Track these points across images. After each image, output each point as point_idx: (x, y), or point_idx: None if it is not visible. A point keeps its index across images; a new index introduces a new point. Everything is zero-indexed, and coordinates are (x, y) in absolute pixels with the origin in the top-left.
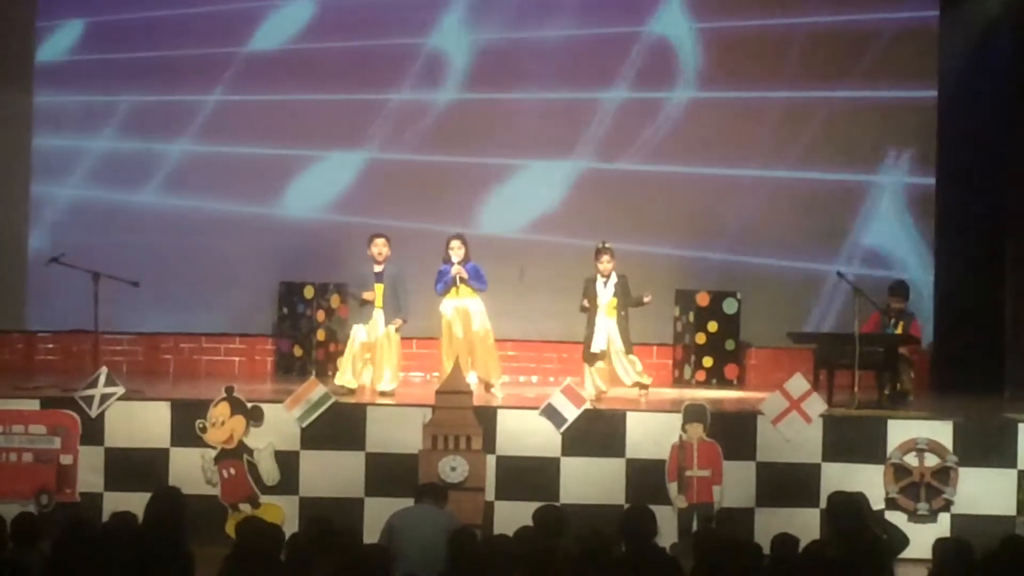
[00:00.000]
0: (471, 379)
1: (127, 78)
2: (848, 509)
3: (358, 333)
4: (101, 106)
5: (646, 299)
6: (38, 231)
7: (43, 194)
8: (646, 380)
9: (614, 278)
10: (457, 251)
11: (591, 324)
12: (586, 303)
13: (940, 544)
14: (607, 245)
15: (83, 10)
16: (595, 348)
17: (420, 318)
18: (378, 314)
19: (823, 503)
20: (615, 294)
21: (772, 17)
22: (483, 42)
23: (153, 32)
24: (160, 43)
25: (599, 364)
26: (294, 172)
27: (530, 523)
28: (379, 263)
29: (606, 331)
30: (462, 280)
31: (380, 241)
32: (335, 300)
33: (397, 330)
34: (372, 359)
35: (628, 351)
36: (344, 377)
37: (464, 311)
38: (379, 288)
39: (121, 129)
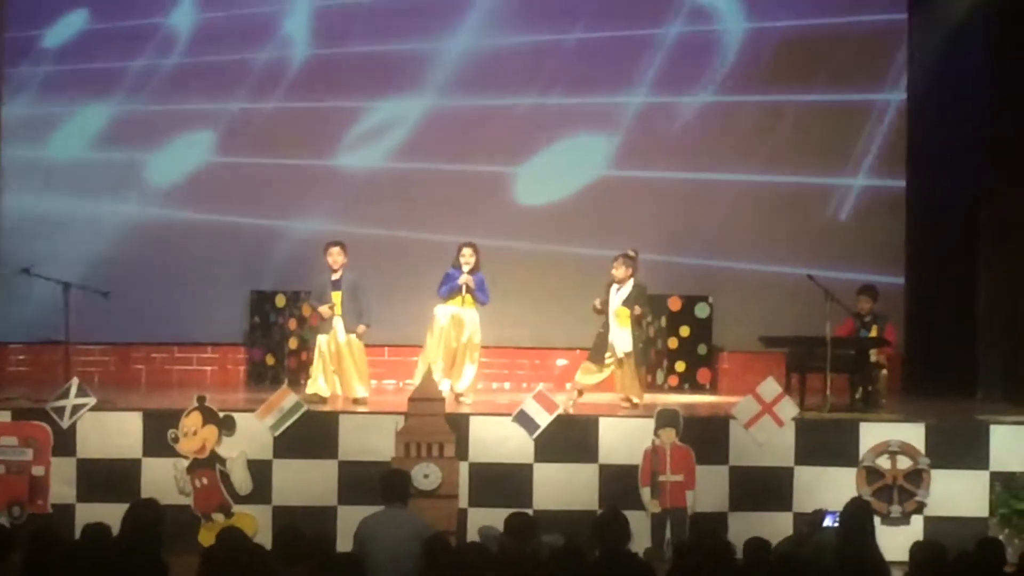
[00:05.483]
0: (444, 387)
1: (96, 88)
2: (861, 518)
3: (320, 343)
4: (71, 116)
5: (636, 311)
6: (7, 241)
7: (12, 204)
8: (635, 399)
9: (629, 286)
10: (468, 259)
11: (603, 328)
12: (598, 303)
13: (917, 547)
14: (628, 253)
15: (51, 20)
16: (611, 355)
17: (393, 326)
18: (337, 322)
19: (796, 507)
20: (624, 302)
21: (740, 21)
22: (444, 50)
23: (123, 43)
24: (129, 54)
25: (604, 372)
26: (262, 181)
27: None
28: (335, 271)
29: (620, 339)
30: (468, 290)
31: (335, 249)
32: (307, 309)
33: (359, 336)
34: (338, 368)
35: (641, 361)
36: (316, 385)
37: (459, 319)
38: (337, 296)
39: (91, 139)
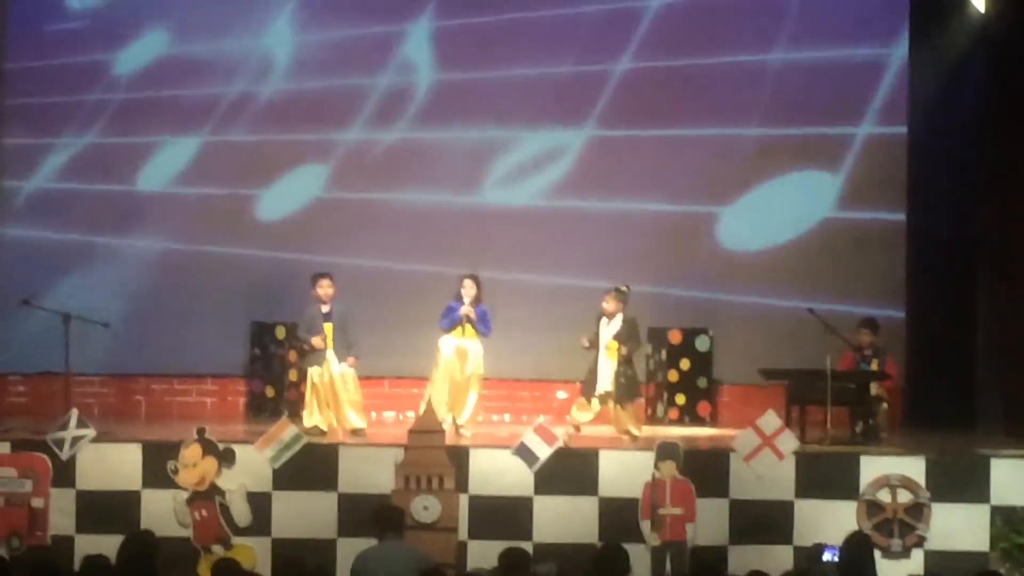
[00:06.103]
0: (449, 420)
1: (92, 118)
2: (861, 552)
3: (312, 376)
4: (67, 147)
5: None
6: (6, 273)
7: (11, 236)
8: (635, 432)
9: (619, 320)
10: (469, 291)
11: (592, 362)
12: (586, 341)
13: None
14: (619, 287)
15: (46, 55)
16: (599, 390)
17: (393, 357)
18: (330, 354)
19: (796, 540)
20: (615, 336)
21: (740, 54)
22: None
23: (116, 74)
24: (125, 85)
25: (595, 407)
26: (262, 211)
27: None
28: (325, 303)
29: (608, 373)
30: (469, 321)
31: (325, 282)
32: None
33: (351, 367)
34: (331, 400)
35: (623, 398)
36: (313, 418)
37: (463, 351)
38: (328, 328)
39: (88, 171)
